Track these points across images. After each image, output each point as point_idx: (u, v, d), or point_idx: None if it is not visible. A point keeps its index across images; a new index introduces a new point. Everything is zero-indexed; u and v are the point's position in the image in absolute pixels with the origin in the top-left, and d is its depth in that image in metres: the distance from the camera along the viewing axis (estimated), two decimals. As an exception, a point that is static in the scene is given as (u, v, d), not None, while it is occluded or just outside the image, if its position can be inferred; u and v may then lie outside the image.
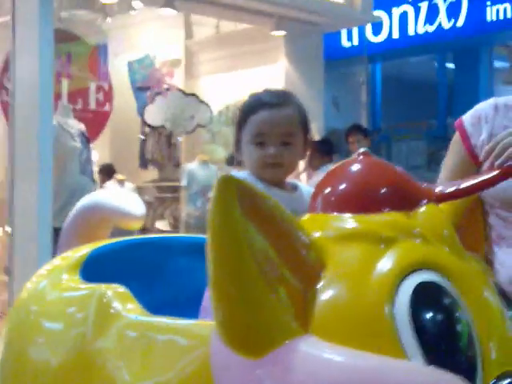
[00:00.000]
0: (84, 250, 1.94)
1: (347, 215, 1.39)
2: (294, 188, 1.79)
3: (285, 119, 1.71)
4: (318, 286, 1.26)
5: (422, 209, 1.40)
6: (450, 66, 10.20)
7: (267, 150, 1.70)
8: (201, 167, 7.14)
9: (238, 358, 1.23)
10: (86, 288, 1.75)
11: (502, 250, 1.80)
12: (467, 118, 1.90)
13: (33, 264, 4.42)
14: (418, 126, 10.07)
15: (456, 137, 1.92)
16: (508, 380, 1.20)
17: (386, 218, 1.36)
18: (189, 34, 8.49)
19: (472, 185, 1.46)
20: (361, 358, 1.17)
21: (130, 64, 8.38)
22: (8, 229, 5.10)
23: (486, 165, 1.76)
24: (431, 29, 9.39)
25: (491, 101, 1.88)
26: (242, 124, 1.72)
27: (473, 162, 1.86)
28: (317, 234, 1.35)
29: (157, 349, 1.49)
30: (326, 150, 6.24)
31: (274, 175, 1.72)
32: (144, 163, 8.38)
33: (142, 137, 8.27)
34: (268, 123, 1.70)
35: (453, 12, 9.17)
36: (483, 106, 1.89)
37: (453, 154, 1.93)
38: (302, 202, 1.65)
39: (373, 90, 10.38)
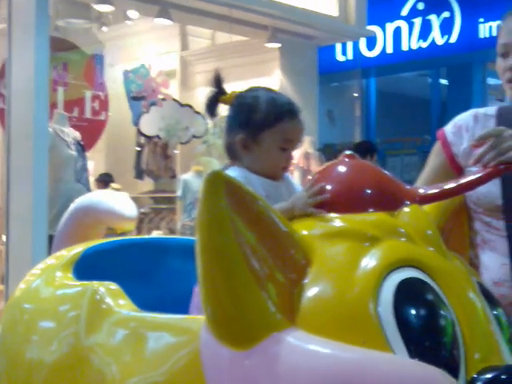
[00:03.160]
0: (77, 249, 1.97)
1: (333, 215, 1.44)
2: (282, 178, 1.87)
3: (303, 130, 1.82)
4: (305, 282, 1.30)
5: (406, 209, 1.45)
6: (444, 81, 10.26)
7: (288, 155, 1.80)
8: (196, 178, 7.16)
9: (226, 350, 1.27)
10: (79, 285, 1.78)
11: (486, 254, 1.84)
12: (448, 127, 1.95)
13: (28, 272, 4.41)
14: (412, 141, 10.13)
15: (437, 146, 1.97)
16: (488, 375, 1.24)
17: (370, 218, 1.41)
18: (184, 46, 8.53)
19: (454, 187, 1.50)
20: (345, 350, 1.20)
21: (125, 73, 8.41)
22: (3, 237, 5.10)
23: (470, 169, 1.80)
24: (425, 45, 9.46)
25: (472, 111, 1.94)
26: (269, 126, 1.76)
27: (452, 171, 1.91)
28: (304, 233, 1.39)
29: (147, 344, 1.52)
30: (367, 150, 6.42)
31: (281, 175, 1.82)
32: (139, 174, 8.39)
33: (138, 148, 8.29)
34: (296, 132, 1.80)
35: (446, 28, 9.24)
36: (464, 117, 1.95)
37: (433, 161, 1.97)
38: (286, 187, 1.79)
39: (367, 105, 10.42)
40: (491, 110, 1.92)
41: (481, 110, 1.93)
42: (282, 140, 1.76)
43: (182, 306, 1.81)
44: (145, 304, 1.70)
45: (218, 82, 1.86)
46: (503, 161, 1.53)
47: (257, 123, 1.76)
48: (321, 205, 1.48)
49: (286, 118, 1.76)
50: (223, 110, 1.91)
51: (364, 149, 6.57)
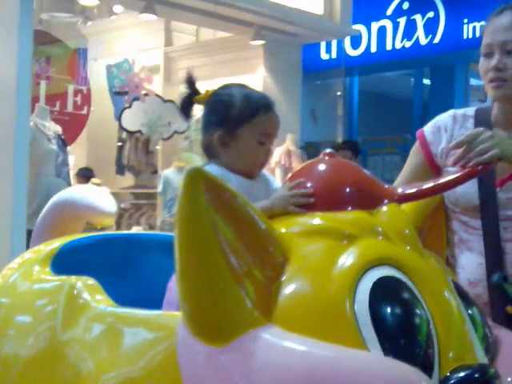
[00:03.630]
0: (56, 244, 1.96)
1: (312, 213, 1.45)
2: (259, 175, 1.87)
3: (279, 123, 1.81)
4: (282, 279, 1.31)
5: (384, 208, 1.46)
6: (426, 81, 10.31)
7: (266, 150, 1.79)
8: (177, 174, 7.14)
9: (203, 346, 1.27)
10: (56, 280, 1.77)
11: (463, 254, 1.86)
12: (427, 127, 1.98)
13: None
14: (393, 140, 10.16)
15: (415, 146, 1.99)
16: (461, 373, 1.25)
17: (349, 216, 1.42)
18: (168, 41, 8.52)
19: (432, 186, 1.51)
20: (321, 348, 1.21)
21: (108, 68, 8.38)
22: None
23: (448, 169, 1.82)
24: (408, 44, 9.49)
25: (450, 112, 1.96)
26: (245, 121, 1.75)
27: (431, 170, 1.93)
28: (283, 230, 1.40)
29: (124, 340, 1.52)
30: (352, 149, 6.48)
31: (260, 170, 1.82)
32: (121, 169, 8.37)
33: (120, 144, 8.26)
34: (274, 125, 1.80)
35: (430, 28, 9.28)
36: (443, 117, 1.97)
37: (411, 161, 1.99)
38: (263, 185, 1.78)
39: (350, 103, 10.44)
40: (470, 110, 1.94)
41: (459, 111, 1.94)
42: (259, 134, 1.76)
43: (159, 302, 1.81)
44: (122, 299, 1.69)
45: (190, 82, 1.87)
46: (481, 161, 1.54)
47: (233, 119, 1.76)
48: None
49: (262, 111, 1.76)
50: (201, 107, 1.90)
51: (349, 147, 6.60)
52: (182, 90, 1.93)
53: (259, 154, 1.78)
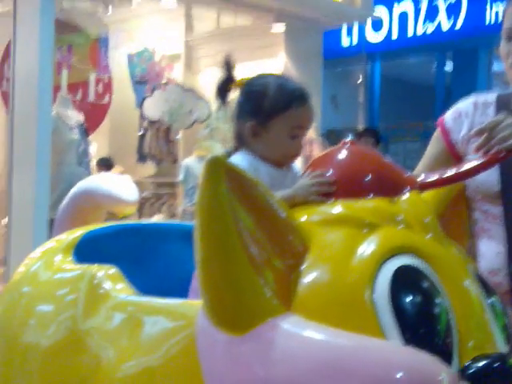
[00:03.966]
0: (78, 233, 1.97)
1: (332, 201, 1.44)
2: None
3: (313, 116, 1.80)
4: (302, 268, 1.31)
5: (405, 196, 1.45)
6: (449, 67, 10.21)
7: (298, 143, 1.76)
8: (198, 162, 7.13)
9: (222, 335, 1.27)
10: (78, 269, 1.78)
11: (483, 243, 1.84)
12: (448, 114, 1.95)
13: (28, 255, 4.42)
14: (415, 127, 10.08)
15: (436, 133, 1.97)
16: (481, 362, 1.24)
17: (369, 204, 1.41)
18: (189, 29, 8.51)
19: (454, 174, 1.50)
20: (340, 337, 1.21)
21: (129, 57, 8.39)
22: (5, 220, 5.10)
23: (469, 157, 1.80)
24: (430, 29, 9.41)
25: (472, 98, 1.94)
26: (278, 113, 1.73)
27: (451, 157, 1.91)
28: (303, 219, 1.39)
29: (144, 328, 1.52)
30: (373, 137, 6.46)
31: (291, 163, 1.80)
32: (142, 158, 8.38)
33: (141, 132, 8.28)
34: (308, 118, 1.78)
35: (452, 13, 9.19)
36: (464, 104, 1.94)
37: (432, 148, 1.97)
38: (291, 176, 1.76)
39: (371, 90, 10.37)
40: (491, 96, 1.92)
41: (480, 97, 1.92)
42: (291, 127, 1.74)
43: (181, 291, 1.81)
44: (144, 288, 1.70)
45: (228, 68, 1.84)
46: (504, 148, 1.53)
47: (266, 110, 1.74)
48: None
49: (296, 104, 1.73)
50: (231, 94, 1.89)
51: (370, 135, 6.56)
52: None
53: (290, 147, 1.76)
